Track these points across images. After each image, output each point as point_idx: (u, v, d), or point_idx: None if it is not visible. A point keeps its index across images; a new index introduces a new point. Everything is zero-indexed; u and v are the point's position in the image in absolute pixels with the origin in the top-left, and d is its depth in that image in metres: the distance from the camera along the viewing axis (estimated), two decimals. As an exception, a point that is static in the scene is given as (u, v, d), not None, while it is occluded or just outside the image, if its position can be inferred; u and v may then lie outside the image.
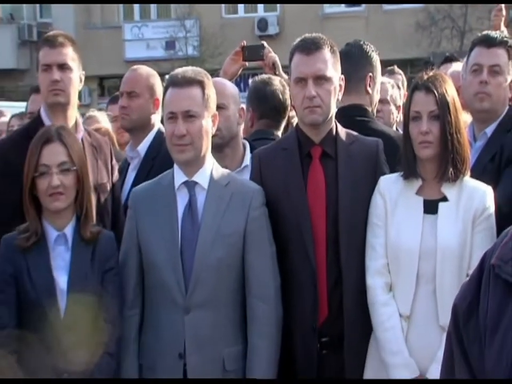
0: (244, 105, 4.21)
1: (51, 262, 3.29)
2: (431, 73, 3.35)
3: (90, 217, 3.38)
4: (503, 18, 5.92)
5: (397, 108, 5.24)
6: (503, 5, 6.00)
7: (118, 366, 3.32)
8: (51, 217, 3.34)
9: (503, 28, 5.78)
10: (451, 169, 3.27)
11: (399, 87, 5.43)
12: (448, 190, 3.30)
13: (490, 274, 1.86)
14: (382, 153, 3.52)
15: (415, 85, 3.35)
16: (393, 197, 3.34)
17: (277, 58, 4.75)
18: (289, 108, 4.52)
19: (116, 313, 3.32)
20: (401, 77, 6.05)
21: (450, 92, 3.30)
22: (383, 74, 4.55)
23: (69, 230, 3.34)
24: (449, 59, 6.04)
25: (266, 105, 4.48)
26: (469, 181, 3.33)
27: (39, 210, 3.34)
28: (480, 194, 3.30)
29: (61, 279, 3.28)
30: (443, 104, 3.26)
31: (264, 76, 4.69)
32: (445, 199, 3.29)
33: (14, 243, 3.28)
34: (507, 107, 3.97)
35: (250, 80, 5.01)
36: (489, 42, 3.95)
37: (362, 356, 3.38)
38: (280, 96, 4.47)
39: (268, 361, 3.29)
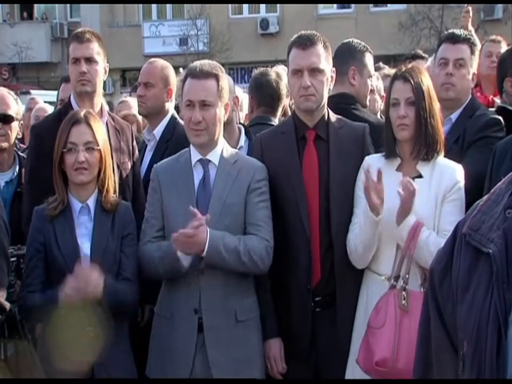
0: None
1: (76, 230, 3.29)
2: (409, 66, 3.35)
3: (110, 191, 3.37)
4: (470, 19, 5.94)
5: (381, 97, 5.21)
6: (470, 7, 6.01)
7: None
8: (76, 190, 3.33)
9: (470, 27, 5.78)
10: (425, 149, 3.26)
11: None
12: (422, 168, 3.29)
13: (462, 241, 1.86)
14: (368, 136, 3.51)
15: (394, 75, 3.35)
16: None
17: None
18: (284, 96, 4.48)
19: (132, 272, 3.32)
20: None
21: (426, 82, 3.29)
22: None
23: (91, 202, 3.34)
24: (415, 56, 6.05)
25: (262, 93, 4.44)
26: (441, 159, 3.32)
27: (66, 183, 3.33)
28: (450, 171, 3.28)
29: (85, 246, 3.28)
30: (418, 92, 3.24)
31: (262, 69, 4.66)
32: (420, 176, 3.28)
33: (44, 213, 3.29)
34: (470, 96, 3.95)
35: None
36: (454, 38, 3.94)
37: (352, 312, 3.36)
38: (275, 85, 4.42)
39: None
